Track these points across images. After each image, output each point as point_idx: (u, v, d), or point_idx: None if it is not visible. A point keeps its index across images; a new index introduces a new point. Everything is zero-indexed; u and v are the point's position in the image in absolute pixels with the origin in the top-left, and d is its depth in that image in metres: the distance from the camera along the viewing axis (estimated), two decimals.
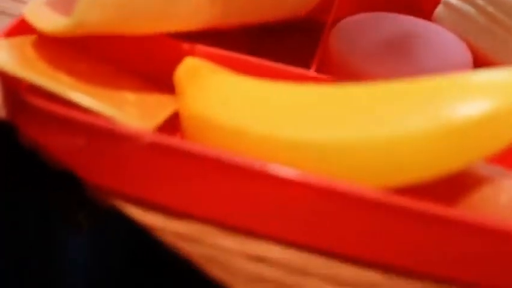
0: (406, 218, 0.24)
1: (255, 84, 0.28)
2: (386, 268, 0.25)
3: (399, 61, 0.32)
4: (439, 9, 0.39)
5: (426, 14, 0.44)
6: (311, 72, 0.31)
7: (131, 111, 0.27)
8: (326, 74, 0.35)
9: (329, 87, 0.26)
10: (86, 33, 0.28)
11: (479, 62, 0.37)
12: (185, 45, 0.33)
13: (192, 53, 0.33)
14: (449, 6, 0.38)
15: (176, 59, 0.33)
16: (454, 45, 0.35)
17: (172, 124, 0.32)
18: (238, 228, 0.26)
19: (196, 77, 0.30)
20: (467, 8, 0.37)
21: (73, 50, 0.32)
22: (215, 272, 0.24)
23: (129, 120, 0.26)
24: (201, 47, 0.32)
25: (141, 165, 0.25)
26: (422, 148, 0.23)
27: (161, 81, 0.34)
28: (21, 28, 0.31)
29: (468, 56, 0.34)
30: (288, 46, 0.42)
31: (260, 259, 0.25)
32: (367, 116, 0.25)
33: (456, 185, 0.26)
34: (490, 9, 0.35)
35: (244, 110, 0.27)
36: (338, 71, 0.34)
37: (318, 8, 0.43)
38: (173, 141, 0.25)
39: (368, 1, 0.44)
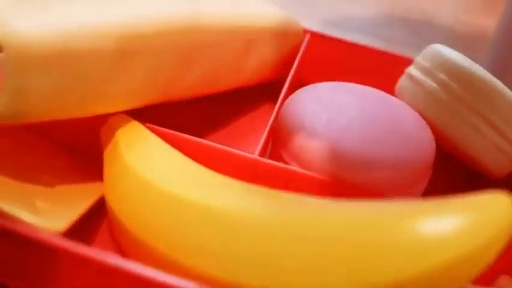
0: None
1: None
2: None
3: (352, 142, 0.29)
4: (402, 81, 0.36)
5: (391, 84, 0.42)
6: (254, 157, 0.29)
7: (42, 208, 0.24)
8: (273, 153, 0.32)
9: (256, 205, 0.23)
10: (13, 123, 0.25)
11: (439, 140, 0.35)
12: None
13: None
14: (412, 78, 0.35)
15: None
16: (416, 128, 0.31)
17: None
18: None
19: (124, 136, 0.28)
20: (429, 82, 0.34)
21: None
22: None
23: (36, 220, 0.23)
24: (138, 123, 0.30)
25: (44, 268, 0.22)
26: None
27: (92, 154, 0.32)
28: None
29: (431, 141, 0.31)
30: (247, 110, 0.40)
31: None
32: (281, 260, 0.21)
33: None
34: (454, 85, 0.33)
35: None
36: (286, 148, 0.31)
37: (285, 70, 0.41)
38: (81, 249, 0.22)
39: (331, 64, 0.42)
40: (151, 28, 0.27)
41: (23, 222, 0.23)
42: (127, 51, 0.26)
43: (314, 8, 0.57)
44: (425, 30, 0.57)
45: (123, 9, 0.27)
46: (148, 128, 0.29)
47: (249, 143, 0.37)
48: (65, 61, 0.24)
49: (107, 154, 0.28)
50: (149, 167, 0.25)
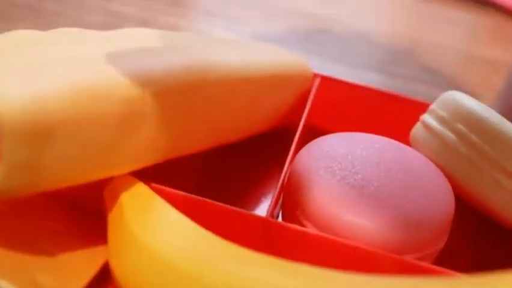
0: None
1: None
2: None
3: (368, 202, 0.28)
4: (416, 129, 0.35)
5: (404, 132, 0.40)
6: (265, 217, 0.27)
7: (43, 284, 0.23)
8: (285, 211, 0.31)
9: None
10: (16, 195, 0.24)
11: (454, 189, 0.33)
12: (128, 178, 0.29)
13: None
14: (427, 127, 0.34)
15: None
16: (435, 183, 0.30)
17: None
18: None
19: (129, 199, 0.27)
20: (446, 133, 0.33)
21: None
22: None
23: None
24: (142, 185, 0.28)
25: None
26: None
27: (93, 212, 0.30)
28: None
29: (451, 197, 0.30)
30: (257, 161, 0.38)
31: None
32: None
33: None
34: (473, 137, 0.31)
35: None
36: (298, 208, 0.29)
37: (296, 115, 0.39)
38: None
39: (342, 109, 0.41)
40: (157, 88, 0.26)
41: None
42: (132, 113, 0.25)
43: (323, 46, 0.56)
44: (435, 66, 0.55)
45: (123, 67, 0.25)
46: (152, 188, 0.28)
47: (261, 198, 0.35)
48: (65, 130, 0.22)
49: (111, 219, 0.26)
50: (157, 238, 0.24)
